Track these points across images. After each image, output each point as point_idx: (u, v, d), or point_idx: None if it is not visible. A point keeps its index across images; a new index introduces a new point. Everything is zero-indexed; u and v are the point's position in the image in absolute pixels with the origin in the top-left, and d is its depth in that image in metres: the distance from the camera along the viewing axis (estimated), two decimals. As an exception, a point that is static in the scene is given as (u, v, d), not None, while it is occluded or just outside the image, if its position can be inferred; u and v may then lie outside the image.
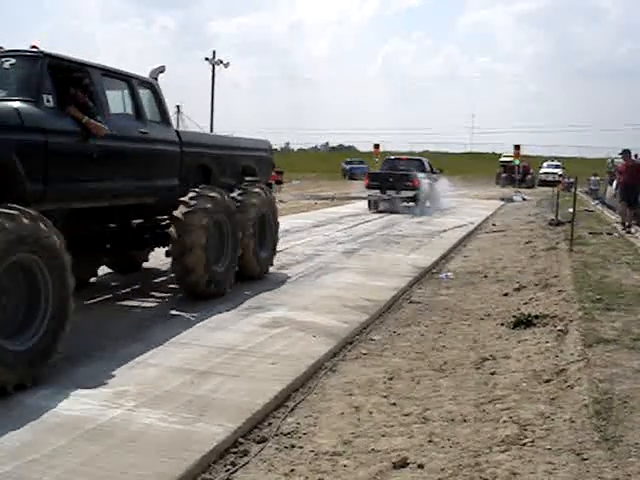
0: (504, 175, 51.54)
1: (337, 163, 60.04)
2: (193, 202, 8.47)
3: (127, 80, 8.25)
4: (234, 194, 9.88)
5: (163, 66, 9.22)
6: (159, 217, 9.16)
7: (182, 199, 8.50)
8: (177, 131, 9.17)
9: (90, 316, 7.58)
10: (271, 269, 11.26)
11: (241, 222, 9.59)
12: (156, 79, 8.97)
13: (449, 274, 11.72)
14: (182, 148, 8.97)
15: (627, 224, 16.91)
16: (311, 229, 17.96)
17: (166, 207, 8.62)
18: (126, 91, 8.25)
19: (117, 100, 8.14)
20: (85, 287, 8.79)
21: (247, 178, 10.76)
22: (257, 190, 10.42)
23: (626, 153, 18.00)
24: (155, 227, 9.17)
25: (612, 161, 36.57)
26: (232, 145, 10.85)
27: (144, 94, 8.56)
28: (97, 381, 5.61)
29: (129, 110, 8.29)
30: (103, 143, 7.19)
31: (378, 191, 24.61)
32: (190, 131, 9.57)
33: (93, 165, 7.13)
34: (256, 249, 10.16)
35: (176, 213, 8.40)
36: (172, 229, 8.42)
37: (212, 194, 8.79)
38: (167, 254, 8.69)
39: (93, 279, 9.70)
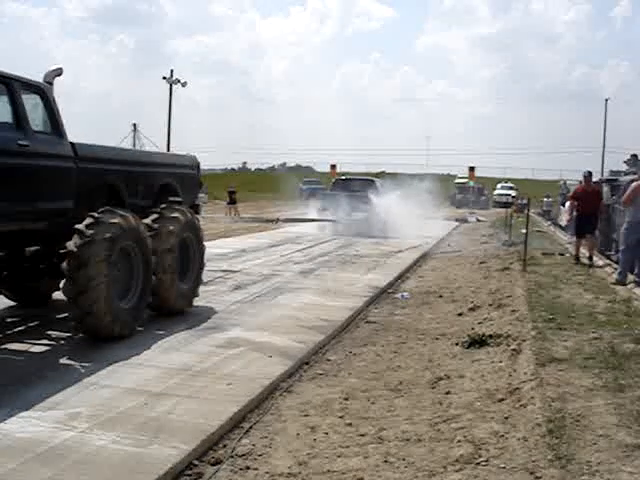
0: (459, 196, 52.26)
1: (295, 183, 60.12)
2: (90, 231, 7.21)
3: (5, 83, 7.01)
4: (148, 218, 8.65)
5: (60, 68, 8.07)
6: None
7: (77, 227, 7.24)
8: (73, 144, 7.77)
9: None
10: (227, 289, 11.23)
11: (156, 251, 8.40)
12: (51, 83, 7.77)
13: (405, 294, 11.78)
14: (78, 164, 7.73)
15: (588, 256, 14.71)
16: (268, 249, 17.93)
17: (62, 233, 7.37)
18: (3, 96, 7.06)
19: None
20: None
21: (170, 198, 9.46)
22: (176, 213, 9.06)
23: (588, 175, 15.45)
24: (52, 256, 7.77)
25: (565, 183, 37.27)
26: (146, 161, 9.59)
27: (30, 100, 7.38)
28: (49, 403, 5.52)
29: (6, 119, 7.07)
30: None
31: (328, 213, 23.99)
32: (91, 144, 8.23)
33: None
34: (175, 281, 8.89)
35: (69, 244, 7.15)
36: (65, 264, 7.14)
37: (114, 220, 7.49)
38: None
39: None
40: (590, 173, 15.60)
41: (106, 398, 5.71)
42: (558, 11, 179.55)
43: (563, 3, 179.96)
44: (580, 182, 16.81)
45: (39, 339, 7.64)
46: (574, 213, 15.53)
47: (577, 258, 14.76)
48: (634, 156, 18.92)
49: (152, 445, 4.77)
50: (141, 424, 5.15)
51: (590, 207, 14.89)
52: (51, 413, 5.31)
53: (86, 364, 6.66)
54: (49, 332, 7.99)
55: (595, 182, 17.67)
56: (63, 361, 6.80)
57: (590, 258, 14.61)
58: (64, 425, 5.07)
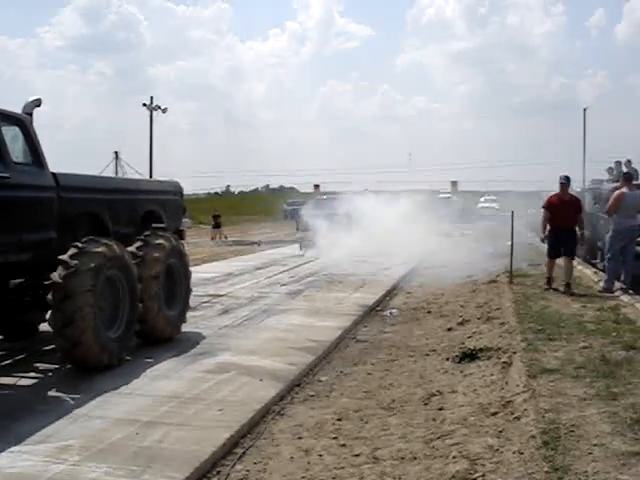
0: (443, 211, 52.40)
1: (279, 204, 60.24)
2: (74, 262, 7.14)
3: None
4: (132, 245, 8.60)
5: (39, 99, 7.99)
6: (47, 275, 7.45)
7: (61, 258, 7.18)
8: (54, 174, 7.71)
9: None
10: (215, 313, 11.17)
11: (142, 278, 8.33)
12: (30, 114, 7.74)
13: (393, 311, 11.77)
14: (59, 194, 7.65)
15: (566, 283, 11.96)
16: (254, 271, 17.88)
17: (46, 264, 7.33)
18: None
19: None
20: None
21: (154, 225, 9.35)
22: (161, 240, 8.95)
23: (565, 181, 12.49)
24: (38, 287, 7.68)
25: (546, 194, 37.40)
26: (129, 188, 9.67)
27: (10, 132, 7.34)
28: (40, 436, 5.45)
29: None
30: None
31: (311, 232, 23.45)
32: (72, 174, 8.18)
33: None
34: (162, 308, 8.80)
35: (54, 276, 7.10)
36: (50, 295, 7.08)
37: (98, 249, 7.44)
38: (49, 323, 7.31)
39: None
40: (567, 178, 12.64)
41: (97, 429, 5.65)
42: (534, 23, 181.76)
43: (539, 15, 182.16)
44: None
45: (27, 372, 7.57)
46: (547, 227, 12.49)
47: (549, 282, 12.29)
48: (618, 163, 19.04)
49: (145, 475, 4.72)
50: (133, 454, 5.10)
51: (566, 219, 12.14)
52: (42, 447, 5.25)
53: (75, 395, 6.59)
54: (37, 364, 7.92)
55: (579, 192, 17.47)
56: (52, 393, 6.74)
57: (568, 286, 11.93)
58: (55, 458, 5.01)
